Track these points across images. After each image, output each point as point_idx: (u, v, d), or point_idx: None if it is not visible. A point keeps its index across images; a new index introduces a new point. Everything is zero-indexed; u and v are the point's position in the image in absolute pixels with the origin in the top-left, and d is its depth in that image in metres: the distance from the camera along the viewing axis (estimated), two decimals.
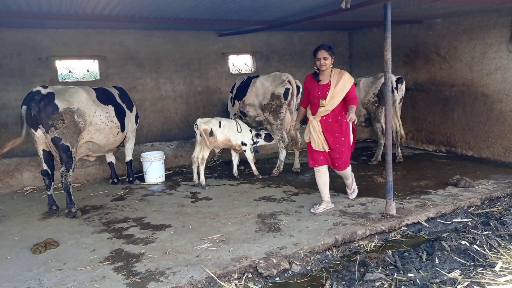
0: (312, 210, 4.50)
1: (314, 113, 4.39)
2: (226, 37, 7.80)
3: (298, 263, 3.48)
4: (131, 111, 5.90)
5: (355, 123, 4.24)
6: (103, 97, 5.37)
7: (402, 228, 4.13)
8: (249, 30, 7.19)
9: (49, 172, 4.96)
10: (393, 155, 6.00)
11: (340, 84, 4.21)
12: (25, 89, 4.96)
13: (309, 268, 3.47)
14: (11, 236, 4.20)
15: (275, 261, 3.40)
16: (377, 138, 6.71)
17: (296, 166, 6.39)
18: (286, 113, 5.98)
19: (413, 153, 7.42)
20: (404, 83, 6.48)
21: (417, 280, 3.03)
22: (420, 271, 3.19)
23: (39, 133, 4.70)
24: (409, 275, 3.11)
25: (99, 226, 4.39)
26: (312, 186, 5.48)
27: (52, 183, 5.01)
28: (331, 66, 4.26)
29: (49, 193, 4.97)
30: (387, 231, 4.04)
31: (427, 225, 4.21)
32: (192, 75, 7.75)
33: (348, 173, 4.69)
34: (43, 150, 4.86)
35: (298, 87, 5.99)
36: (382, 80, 6.19)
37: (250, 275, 3.27)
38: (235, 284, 3.15)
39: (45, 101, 4.61)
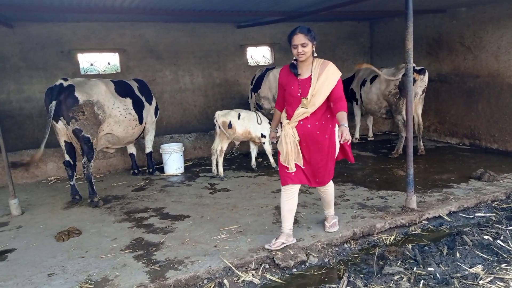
0: (266, 246, 3.45)
1: (289, 116, 3.35)
2: (245, 29, 7.77)
3: (315, 255, 3.47)
4: (150, 104, 5.96)
5: (348, 143, 3.28)
6: (122, 89, 5.44)
7: (423, 222, 4.05)
8: (267, 22, 7.13)
9: (71, 163, 5.09)
10: (415, 148, 5.89)
11: (323, 78, 3.18)
12: (49, 82, 5.09)
13: (326, 260, 3.46)
14: (36, 224, 4.34)
15: (292, 253, 3.40)
16: (398, 131, 6.58)
17: None
18: None
19: (435, 146, 7.25)
20: (426, 74, 6.31)
21: (437, 275, 2.97)
22: (440, 265, 3.13)
23: (60, 125, 4.82)
24: (429, 269, 3.06)
25: (120, 216, 4.49)
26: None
27: (75, 174, 5.14)
28: (313, 55, 3.26)
29: (72, 183, 5.11)
30: (407, 224, 3.97)
31: (449, 219, 4.12)
32: (211, 67, 7.77)
33: (330, 190, 3.67)
34: (65, 141, 4.97)
35: None
36: (403, 71, 6.05)
37: (267, 266, 3.28)
38: (252, 274, 3.17)
39: (65, 93, 4.71)
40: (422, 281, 2.91)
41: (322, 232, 3.74)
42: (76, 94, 4.75)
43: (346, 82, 7.94)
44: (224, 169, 5.96)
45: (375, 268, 3.19)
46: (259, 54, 8.46)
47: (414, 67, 5.78)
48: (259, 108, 6.37)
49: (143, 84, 6.03)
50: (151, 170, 6.27)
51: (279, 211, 4.31)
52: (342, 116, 3.18)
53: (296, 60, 3.30)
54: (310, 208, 4.42)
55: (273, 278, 3.18)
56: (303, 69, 3.29)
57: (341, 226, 3.85)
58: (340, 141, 3.20)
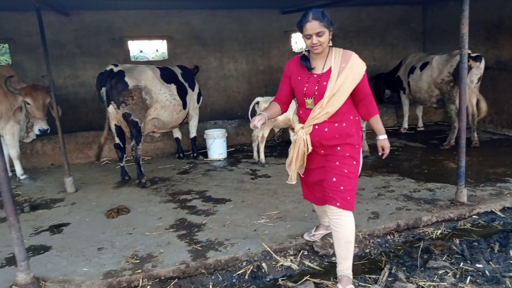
0: (306, 238, 3.35)
1: (302, 120, 2.77)
2: (289, 15, 7.65)
3: (356, 245, 3.40)
4: (193, 90, 6.08)
5: (383, 156, 2.82)
6: (166, 76, 5.58)
7: (473, 216, 3.83)
8: (313, 7, 6.97)
9: (121, 145, 5.34)
10: (468, 140, 5.57)
11: (345, 73, 2.55)
12: (101, 68, 5.33)
13: (367, 251, 3.39)
14: (89, 202, 4.62)
15: (331, 241, 3.35)
16: (451, 121, 6.24)
17: (365, 148, 5.99)
18: None
19: (491, 138, 6.81)
20: (483, 61, 5.90)
21: (486, 272, 2.82)
22: (490, 262, 2.96)
23: (111, 109, 5.05)
24: (477, 265, 2.91)
25: (166, 197, 4.66)
26: (375, 169, 5.30)
27: (125, 156, 5.40)
28: (329, 44, 2.61)
29: (121, 164, 5.37)
30: (455, 219, 3.78)
31: (502, 215, 3.86)
32: (255, 54, 7.76)
33: (348, 224, 2.67)
34: (115, 125, 5.21)
35: None
36: (458, 57, 5.70)
37: (306, 253, 3.27)
38: (291, 260, 3.18)
39: (116, 79, 4.91)
40: (469, 277, 2.78)
41: (363, 222, 3.66)
42: (126, 79, 4.94)
43: (393, 70, 7.63)
44: (266, 156, 5.98)
45: (419, 262, 3.09)
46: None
47: (469, 53, 5.43)
48: None
49: (186, 70, 6.14)
50: (195, 155, 6.43)
51: None
52: (377, 122, 2.73)
53: (308, 51, 2.69)
54: None
55: (311, 265, 3.17)
56: (317, 61, 2.65)
57: (384, 217, 3.74)
58: (381, 155, 2.80)
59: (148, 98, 5.14)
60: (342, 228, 2.65)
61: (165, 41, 7.38)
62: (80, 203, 4.57)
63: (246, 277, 3.02)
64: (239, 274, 3.05)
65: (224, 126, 7.14)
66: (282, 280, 3.00)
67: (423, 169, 5.24)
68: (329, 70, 2.59)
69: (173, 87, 5.59)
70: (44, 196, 4.89)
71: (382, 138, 2.79)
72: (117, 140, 5.31)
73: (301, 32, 2.56)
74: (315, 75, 2.65)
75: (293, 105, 5.86)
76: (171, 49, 7.39)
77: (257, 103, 5.79)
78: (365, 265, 3.18)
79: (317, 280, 2.90)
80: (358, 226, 3.57)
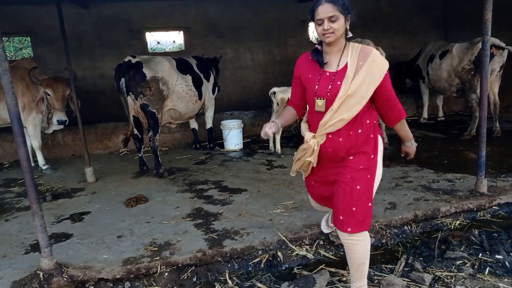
0: (324, 230, 3.23)
1: (313, 127, 2.37)
2: (306, 4, 7.55)
3: (372, 235, 3.38)
4: (208, 81, 6.09)
5: (408, 157, 2.62)
6: (182, 66, 5.61)
7: (493, 207, 3.75)
8: None
9: (139, 136, 5.42)
10: (490, 129, 5.43)
11: (364, 71, 2.17)
12: (119, 59, 5.41)
13: (384, 241, 3.37)
14: (108, 191, 4.73)
15: None
16: (472, 111, 6.09)
17: (383, 140, 6.00)
18: None
19: None
20: (506, 50, 5.71)
21: (506, 263, 2.76)
22: (511, 253, 2.91)
23: (129, 100, 5.12)
24: (497, 256, 2.85)
25: (183, 186, 4.73)
26: (393, 160, 5.22)
27: (142, 146, 5.49)
28: (346, 36, 2.26)
29: (140, 155, 5.46)
30: (475, 209, 3.71)
31: None
32: (271, 44, 7.73)
33: (363, 244, 2.35)
34: (133, 116, 5.29)
35: None
36: (480, 45, 5.53)
37: (321, 242, 3.28)
38: (306, 249, 3.19)
39: (134, 70, 4.97)
40: (488, 268, 2.73)
41: (380, 213, 3.63)
42: (144, 70, 4.99)
43: (413, 58, 7.47)
44: (282, 147, 5.98)
45: (436, 252, 3.05)
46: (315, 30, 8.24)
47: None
48: None
49: (201, 61, 6.16)
50: (211, 145, 6.48)
51: None
52: (403, 128, 2.39)
53: (320, 44, 2.31)
54: None
55: (327, 255, 3.18)
56: (331, 56, 2.28)
57: (401, 207, 3.70)
58: (404, 157, 2.54)
59: (165, 89, 5.19)
60: (355, 252, 2.35)
61: (182, 32, 7.43)
62: (100, 193, 4.69)
63: (262, 265, 3.05)
64: (255, 262, 3.08)
65: (241, 117, 7.17)
66: (297, 268, 3.02)
67: (443, 160, 5.14)
68: (345, 67, 2.21)
69: (188, 78, 5.62)
70: (65, 185, 5.03)
71: (409, 145, 2.52)
72: (135, 131, 5.39)
73: (313, 19, 2.22)
74: (327, 73, 2.26)
75: None
76: (188, 40, 7.42)
77: (274, 93, 5.78)
78: (381, 255, 3.16)
79: (332, 269, 2.91)
80: (375, 216, 3.55)
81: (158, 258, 2.99)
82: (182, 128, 6.90)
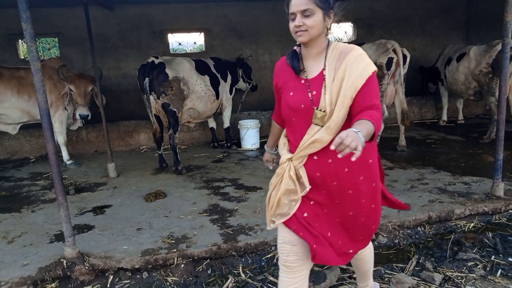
0: None
1: (292, 146, 1.92)
2: None
3: (385, 235, 3.42)
4: (225, 81, 6.21)
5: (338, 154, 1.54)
6: (201, 67, 5.75)
7: (509, 211, 3.72)
8: None
9: (160, 134, 5.59)
10: (509, 133, 5.35)
11: (340, 75, 1.74)
12: (142, 60, 5.60)
13: (396, 241, 3.39)
14: (129, 186, 4.90)
15: None
16: (491, 114, 6.00)
17: (401, 143, 5.85)
18: (389, 85, 5.66)
19: None
20: None
21: None
22: None
23: (151, 99, 5.29)
24: (510, 259, 2.85)
25: (200, 183, 4.85)
26: (410, 162, 5.22)
27: (162, 144, 5.65)
28: (326, 33, 1.83)
29: (159, 152, 5.63)
30: (490, 213, 3.69)
31: None
32: (290, 45, 7.69)
33: (369, 254, 2.26)
34: (154, 114, 5.46)
35: (404, 57, 5.57)
36: (498, 47, 5.46)
37: None
38: None
39: (157, 70, 5.14)
40: (500, 270, 2.73)
41: (393, 213, 3.65)
42: (167, 70, 5.15)
43: (435, 62, 7.39)
44: None
45: (448, 253, 3.06)
46: (340, 31, 8.25)
47: None
48: None
49: (218, 62, 6.27)
50: (229, 144, 6.61)
51: None
52: (361, 122, 1.61)
53: (300, 45, 1.87)
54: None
55: None
56: (308, 60, 1.85)
57: (415, 209, 3.72)
58: (334, 148, 1.49)
59: (185, 89, 5.34)
60: (362, 262, 2.25)
61: (202, 33, 7.58)
62: (121, 187, 4.86)
63: (275, 260, 3.13)
64: (267, 257, 3.16)
65: (258, 117, 7.26)
66: None
67: (460, 163, 5.10)
68: (322, 73, 1.79)
69: (206, 78, 5.76)
70: (88, 180, 5.23)
71: (351, 130, 1.49)
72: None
73: (287, 10, 1.81)
74: (302, 81, 1.84)
75: None
76: (208, 41, 7.57)
77: None
78: (393, 255, 3.19)
79: (343, 266, 2.96)
80: (388, 216, 3.59)
81: (175, 250, 3.12)
82: (201, 127, 7.05)
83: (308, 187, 1.85)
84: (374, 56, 5.65)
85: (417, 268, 2.87)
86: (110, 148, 5.22)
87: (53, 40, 8.31)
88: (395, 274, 2.78)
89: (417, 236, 3.48)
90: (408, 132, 6.18)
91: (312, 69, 1.84)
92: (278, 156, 2.02)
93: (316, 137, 1.76)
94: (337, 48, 1.81)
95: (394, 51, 5.48)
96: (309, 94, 1.80)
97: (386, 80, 5.59)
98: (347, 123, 1.76)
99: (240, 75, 6.68)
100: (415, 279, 2.69)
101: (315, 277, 2.73)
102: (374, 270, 2.85)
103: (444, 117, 7.42)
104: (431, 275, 2.68)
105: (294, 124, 1.87)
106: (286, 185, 1.86)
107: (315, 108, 1.78)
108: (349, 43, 7.45)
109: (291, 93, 1.86)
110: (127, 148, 6.87)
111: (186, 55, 7.46)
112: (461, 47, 6.55)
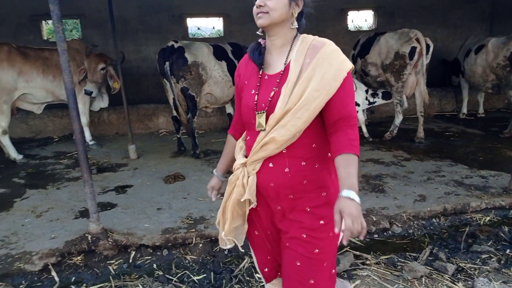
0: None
1: (248, 148, 1.68)
2: None
3: (399, 225, 3.47)
4: None
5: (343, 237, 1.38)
6: (218, 53, 5.74)
7: None
8: None
9: (178, 118, 5.68)
10: None
11: (309, 74, 1.50)
12: (162, 44, 5.66)
13: (411, 231, 3.44)
14: (149, 168, 5.03)
15: (374, 219, 3.45)
16: (511, 108, 5.91)
17: (420, 135, 5.78)
18: (411, 75, 5.60)
19: None
20: None
21: None
22: None
23: (170, 83, 5.36)
24: None
25: None
26: (428, 154, 5.21)
27: (181, 128, 5.75)
28: (292, 22, 1.60)
29: (178, 136, 5.74)
30: (507, 207, 3.68)
31: None
32: (308, 32, 7.59)
33: None
34: (173, 98, 5.55)
35: (428, 46, 5.50)
36: None
37: None
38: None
39: (176, 54, 5.20)
40: None
41: (409, 204, 3.69)
42: (186, 55, 5.21)
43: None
44: None
45: (463, 245, 3.10)
46: (360, 19, 8.15)
47: None
48: (364, 75, 6.17)
49: (236, 48, 6.27)
50: None
51: (366, 179, 4.35)
52: (346, 165, 1.44)
53: (264, 33, 1.64)
54: (400, 180, 4.33)
55: (353, 240, 3.29)
56: (273, 53, 1.63)
57: (431, 200, 3.74)
58: (340, 238, 1.50)
59: (204, 74, 5.40)
60: None
61: (221, 18, 7.58)
62: (141, 169, 5.00)
63: None
64: None
65: None
66: None
67: (478, 156, 5.07)
68: (287, 69, 1.56)
69: (224, 64, 5.77)
70: (110, 160, 5.39)
71: (346, 196, 1.37)
72: (175, 113, 5.65)
73: None
74: (266, 77, 1.61)
75: (362, 87, 5.93)
76: (227, 26, 7.58)
77: None
78: (406, 245, 3.25)
79: (357, 253, 3.03)
80: (403, 206, 3.63)
81: (193, 230, 3.23)
82: (218, 112, 7.13)
83: (254, 203, 1.63)
84: (396, 45, 5.58)
85: (430, 258, 2.92)
86: (131, 130, 5.34)
87: (75, 22, 8.43)
88: (408, 263, 2.84)
89: (431, 227, 3.51)
90: (426, 124, 6.13)
91: (276, 64, 1.61)
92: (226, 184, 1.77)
93: (271, 135, 1.51)
94: (306, 41, 1.59)
95: (417, 40, 5.41)
96: (268, 94, 1.57)
97: (408, 70, 5.53)
98: (320, 127, 1.56)
99: None
100: (428, 268, 2.74)
101: None
102: (386, 258, 2.94)
103: (464, 110, 7.33)
104: (444, 265, 2.73)
105: (252, 124, 1.62)
106: (238, 194, 1.63)
107: (257, 112, 1.58)
108: (369, 31, 7.41)
109: (252, 91, 1.62)
110: (146, 131, 7.01)
111: (204, 40, 7.49)
112: (481, 39, 6.42)
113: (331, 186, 1.59)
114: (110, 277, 2.87)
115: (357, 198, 1.37)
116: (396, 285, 2.63)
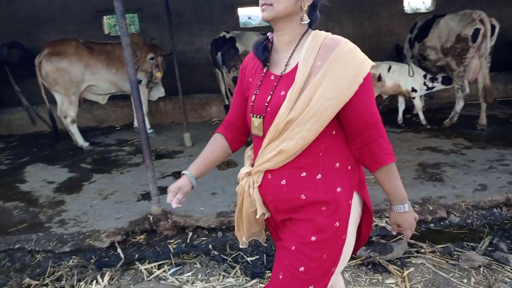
0: None
1: (254, 155, 1.58)
2: None
3: (457, 215, 3.35)
4: None
5: (404, 237, 1.62)
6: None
7: None
8: None
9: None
10: None
11: (319, 78, 1.32)
12: (214, 35, 5.80)
13: (469, 221, 3.31)
14: None
15: (431, 208, 3.36)
16: None
17: (482, 121, 5.44)
18: (474, 58, 5.27)
19: None
20: None
21: None
22: None
23: (222, 73, 5.51)
24: None
25: None
26: (490, 142, 4.92)
27: None
28: (301, 16, 1.42)
29: None
30: None
31: None
32: (362, 16, 7.51)
33: None
34: (225, 88, 5.70)
35: (493, 27, 5.13)
36: None
37: None
38: (386, 222, 3.28)
39: (228, 44, 5.32)
40: None
41: (468, 193, 3.54)
42: (237, 45, 5.32)
43: None
44: None
45: None
46: (418, 1, 7.77)
47: None
48: (422, 59, 5.89)
49: None
50: None
51: (422, 168, 4.22)
52: (390, 179, 1.44)
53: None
54: (459, 168, 4.15)
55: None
56: (280, 53, 1.47)
57: (492, 190, 3.56)
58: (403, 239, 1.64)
59: None
60: None
61: None
62: (196, 155, 5.07)
63: None
64: None
65: None
66: (375, 237, 3.14)
67: None
68: (294, 70, 1.39)
69: None
70: (167, 148, 5.68)
71: (399, 211, 1.46)
72: (227, 102, 5.82)
73: None
74: (272, 76, 1.45)
75: (402, 71, 5.72)
76: None
77: None
78: (464, 234, 3.13)
79: (411, 241, 2.98)
80: (462, 196, 3.50)
81: None
82: None
83: (267, 213, 1.53)
84: (458, 27, 5.27)
85: (490, 249, 2.81)
86: (186, 119, 5.58)
87: (132, 17, 8.86)
88: (465, 252, 2.75)
89: (492, 217, 3.36)
90: (490, 110, 5.76)
91: (282, 62, 1.44)
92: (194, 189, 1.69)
93: (278, 147, 1.38)
94: (318, 38, 1.39)
95: (481, 21, 5.07)
96: (269, 95, 1.42)
97: (470, 54, 5.21)
98: (326, 135, 1.38)
99: None
100: (487, 259, 2.64)
101: (382, 248, 2.80)
102: (442, 247, 2.87)
103: None
104: (505, 256, 2.62)
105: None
106: (249, 207, 1.54)
107: (251, 115, 1.48)
108: (427, 13, 7.03)
109: (257, 92, 1.47)
110: (199, 120, 7.27)
111: (254, 29, 7.55)
112: None
113: (333, 201, 1.40)
114: (170, 255, 3.09)
115: (409, 208, 1.48)
116: (452, 274, 2.57)
